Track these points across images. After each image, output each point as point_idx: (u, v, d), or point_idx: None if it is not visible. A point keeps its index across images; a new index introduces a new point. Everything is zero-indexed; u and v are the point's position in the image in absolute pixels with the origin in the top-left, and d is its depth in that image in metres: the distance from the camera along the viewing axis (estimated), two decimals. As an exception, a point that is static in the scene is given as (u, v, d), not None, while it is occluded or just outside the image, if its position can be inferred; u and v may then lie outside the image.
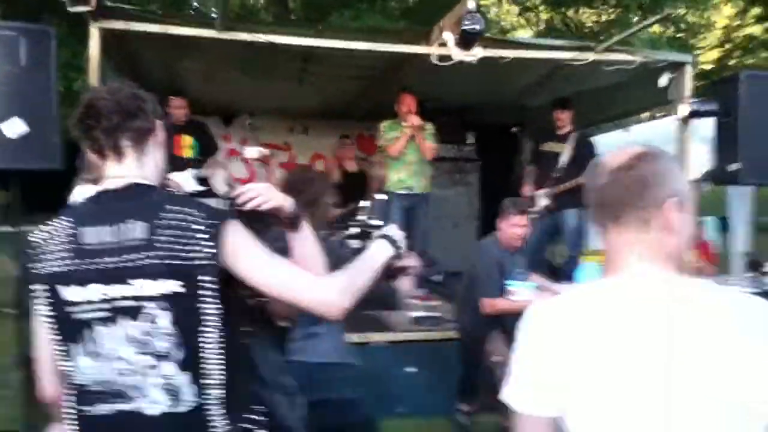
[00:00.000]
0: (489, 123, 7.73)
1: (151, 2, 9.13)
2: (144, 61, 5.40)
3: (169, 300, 1.47)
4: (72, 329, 1.51)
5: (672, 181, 1.21)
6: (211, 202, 5.29)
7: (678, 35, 8.10)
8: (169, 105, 5.76)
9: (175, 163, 5.66)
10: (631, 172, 1.20)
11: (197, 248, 1.47)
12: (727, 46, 13.24)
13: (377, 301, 3.37)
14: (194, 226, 1.48)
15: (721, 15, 12.52)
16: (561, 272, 6.09)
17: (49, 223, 1.56)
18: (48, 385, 1.65)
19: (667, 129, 5.32)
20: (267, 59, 5.16)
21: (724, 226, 6.63)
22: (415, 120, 5.50)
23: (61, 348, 1.53)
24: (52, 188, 4.19)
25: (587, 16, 9.85)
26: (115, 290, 1.48)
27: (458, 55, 4.28)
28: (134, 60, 5.31)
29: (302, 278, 1.57)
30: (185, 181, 5.66)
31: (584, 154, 5.65)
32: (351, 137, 7.36)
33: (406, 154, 5.67)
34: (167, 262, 1.46)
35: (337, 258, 1.94)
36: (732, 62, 12.81)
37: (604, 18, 8.90)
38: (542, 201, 5.84)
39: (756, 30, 14.10)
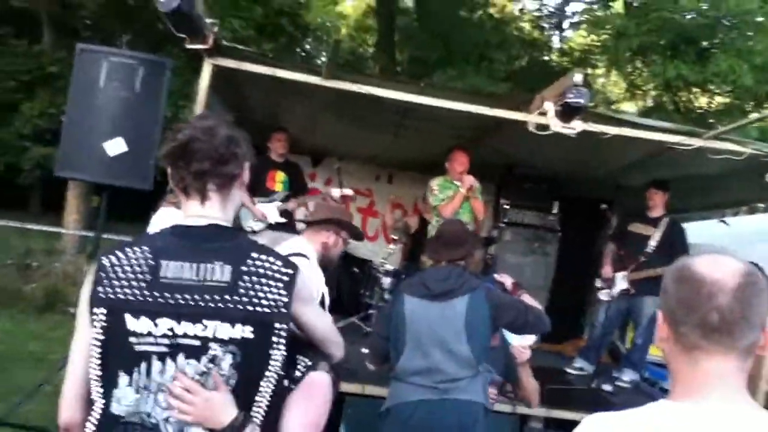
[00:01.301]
0: (576, 195, 7.58)
1: (265, 42, 9.59)
2: (249, 97, 5.65)
3: (237, 345, 1.52)
4: (125, 358, 1.52)
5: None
6: (288, 236, 5.46)
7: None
8: (271, 138, 6.02)
9: (266, 194, 5.92)
10: (753, 290, 1.13)
11: (276, 297, 1.53)
12: None
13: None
14: (275, 275, 1.54)
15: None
16: (625, 359, 5.89)
17: (125, 248, 1.57)
18: (68, 409, 1.61)
19: (766, 225, 5.07)
20: (366, 109, 5.28)
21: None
22: (471, 180, 5.41)
23: (104, 374, 1.53)
24: (139, 200, 4.42)
25: (698, 99, 9.62)
26: (185, 328, 1.51)
27: (557, 126, 4.24)
28: (241, 95, 5.56)
29: (332, 328, 1.84)
30: (270, 211, 5.86)
31: (674, 241, 5.54)
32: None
33: (460, 214, 5.57)
34: (248, 308, 1.51)
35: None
36: None
37: (715, 103, 8.66)
38: (621, 283, 5.67)
39: None
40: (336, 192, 6.28)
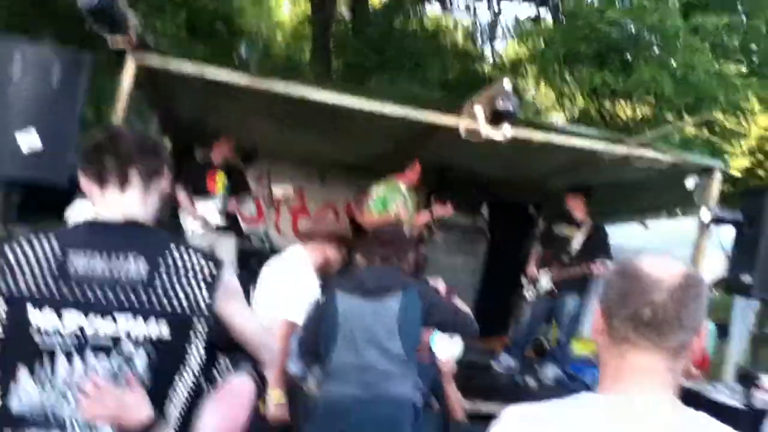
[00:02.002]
0: (505, 199, 7.74)
1: (197, 44, 9.38)
2: (177, 99, 5.52)
3: (152, 344, 1.46)
4: (27, 353, 1.44)
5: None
6: (231, 238, 5.30)
7: (711, 139, 8.15)
8: (220, 142, 5.93)
9: (206, 196, 5.84)
10: (690, 292, 1.15)
11: (196, 294, 1.48)
12: (758, 156, 13.30)
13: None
14: (197, 271, 1.49)
15: (757, 125, 12.65)
16: (550, 355, 6.08)
17: (30, 238, 1.49)
18: None
19: (686, 230, 5.30)
20: (298, 112, 5.23)
21: (720, 333, 6.58)
22: (426, 218, 5.79)
23: (3, 369, 1.46)
24: (58, 198, 4.23)
25: (622, 110, 9.98)
26: (95, 324, 1.44)
27: (487, 132, 4.30)
28: (168, 97, 5.43)
29: (263, 330, 1.78)
30: (210, 213, 5.75)
31: (597, 243, 5.75)
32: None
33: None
34: (165, 305, 1.45)
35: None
36: (761, 172, 12.81)
37: (639, 113, 9.01)
38: (545, 283, 5.86)
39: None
40: (277, 191, 6.24)
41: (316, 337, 3.17)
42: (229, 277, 1.58)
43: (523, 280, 6.15)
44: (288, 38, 17.06)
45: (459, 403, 3.57)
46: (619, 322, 1.16)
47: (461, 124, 4.57)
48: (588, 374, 5.73)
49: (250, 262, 6.34)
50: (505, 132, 4.29)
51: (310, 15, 13.03)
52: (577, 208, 5.85)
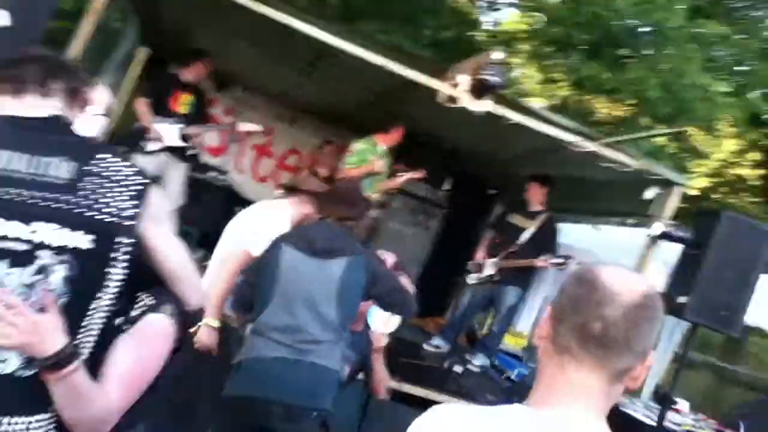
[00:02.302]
0: (469, 176, 7.73)
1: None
2: (161, 5, 5.29)
3: (72, 254, 1.33)
4: None
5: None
6: (181, 163, 5.10)
7: (677, 153, 8.29)
8: (196, 62, 5.70)
9: (167, 115, 5.58)
10: (646, 314, 1.09)
11: (123, 205, 1.37)
12: (717, 179, 13.62)
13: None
14: (125, 181, 1.39)
15: (721, 149, 12.93)
16: (480, 344, 6.15)
17: None
18: None
19: (634, 239, 5.37)
20: (280, 39, 5.07)
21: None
22: (397, 183, 5.77)
23: None
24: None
25: (600, 106, 10.04)
26: (9, 228, 1.30)
27: (466, 101, 4.26)
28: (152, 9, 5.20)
29: (192, 265, 1.63)
30: (169, 132, 5.53)
31: (546, 238, 5.77)
32: (332, 144, 7.23)
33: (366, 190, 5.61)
34: (89, 213, 1.34)
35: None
36: (716, 196, 13.15)
37: (617, 113, 9.08)
38: (489, 270, 5.86)
39: (747, 173, 14.59)
40: (244, 126, 6.03)
41: (253, 289, 3.06)
42: (158, 197, 1.48)
43: (469, 264, 6.14)
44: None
45: (384, 381, 3.49)
46: (565, 330, 1.10)
47: (442, 88, 4.51)
48: (513, 369, 5.83)
49: (201, 196, 6.25)
50: (485, 105, 4.25)
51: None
52: (535, 197, 5.86)
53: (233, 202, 7.05)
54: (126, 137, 5.88)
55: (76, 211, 1.33)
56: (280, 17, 4.31)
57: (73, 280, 1.34)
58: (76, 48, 4.05)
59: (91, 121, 4.14)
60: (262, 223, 3.44)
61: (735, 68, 7.87)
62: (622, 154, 5.02)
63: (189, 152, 5.94)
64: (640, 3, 6.44)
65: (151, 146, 5.53)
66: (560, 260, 5.51)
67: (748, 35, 8.08)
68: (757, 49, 7.77)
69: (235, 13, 4.61)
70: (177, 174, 5.73)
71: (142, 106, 5.52)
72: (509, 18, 12.98)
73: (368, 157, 5.63)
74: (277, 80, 6.71)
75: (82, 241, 1.34)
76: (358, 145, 5.74)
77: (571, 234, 6.08)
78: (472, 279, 6.05)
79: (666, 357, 6.43)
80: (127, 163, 1.44)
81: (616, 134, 5.19)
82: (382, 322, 3.40)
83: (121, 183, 1.39)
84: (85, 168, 1.36)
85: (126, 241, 1.38)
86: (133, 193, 1.40)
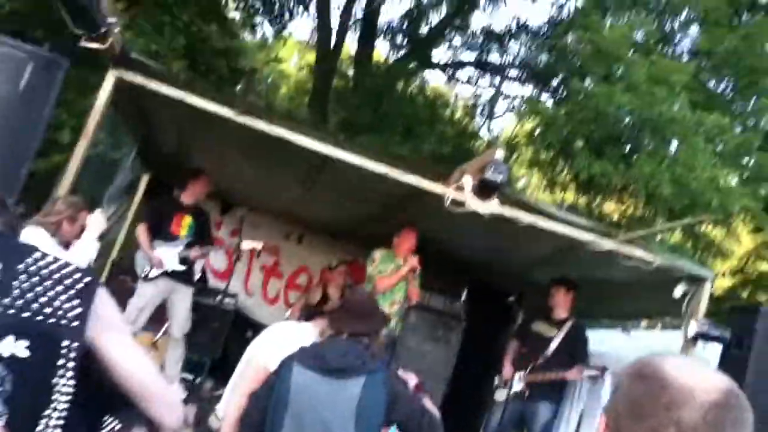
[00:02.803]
0: (486, 285, 7.46)
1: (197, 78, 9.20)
2: (157, 124, 5.29)
3: (7, 365, 1.11)
4: None
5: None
6: (188, 288, 4.87)
7: (698, 251, 8.00)
8: (195, 181, 5.62)
9: (167, 237, 5.48)
10: (730, 415, 0.85)
11: (65, 304, 1.16)
12: (740, 276, 13.23)
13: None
14: (65, 279, 1.18)
15: (740, 245, 12.65)
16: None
17: None
18: None
19: (669, 343, 5.01)
20: (279, 155, 5.02)
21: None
22: (416, 263, 5.31)
23: None
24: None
25: (613, 209, 9.92)
26: None
27: (473, 203, 4.08)
28: (147, 120, 5.19)
29: (163, 380, 1.38)
30: (169, 257, 5.39)
31: (576, 345, 5.43)
32: (345, 263, 7.04)
33: (394, 293, 5.39)
34: (23, 314, 1.13)
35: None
36: (744, 294, 12.67)
37: (628, 212, 8.91)
38: (517, 386, 5.47)
39: (768, 268, 14.28)
40: (246, 245, 5.88)
41: (263, 414, 2.73)
42: (107, 298, 1.27)
43: (496, 379, 5.74)
44: (291, 91, 17.11)
45: None
46: None
47: (447, 192, 4.35)
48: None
49: (209, 321, 6.02)
50: (491, 206, 4.07)
51: (312, 65, 13.10)
52: (560, 303, 5.54)
53: (244, 326, 6.79)
54: (128, 264, 5.75)
55: (8, 312, 1.13)
56: (272, 131, 4.25)
57: (12, 396, 1.12)
58: (69, 175, 3.96)
59: (85, 245, 4.05)
60: (284, 339, 3.19)
61: (741, 160, 7.72)
62: (642, 251, 4.77)
63: (195, 277, 5.78)
64: (641, 96, 6.41)
65: (152, 272, 5.37)
66: (595, 372, 5.16)
67: (745, 128, 8.06)
68: (759, 139, 7.70)
69: (229, 131, 4.59)
70: (183, 300, 5.53)
71: (141, 231, 5.41)
72: (506, 127, 13.30)
73: (392, 264, 5.40)
74: (280, 198, 6.64)
75: (17, 348, 1.12)
76: (379, 252, 5.51)
77: (599, 340, 5.70)
78: (500, 395, 5.61)
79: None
80: (63, 261, 1.23)
81: (631, 232, 4.93)
82: None
83: (62, 280, 1.19)
84: (18, 267, 1.18)
85: (73, 345, 1.16)
86: (77, 290, 1.20)
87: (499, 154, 3.82)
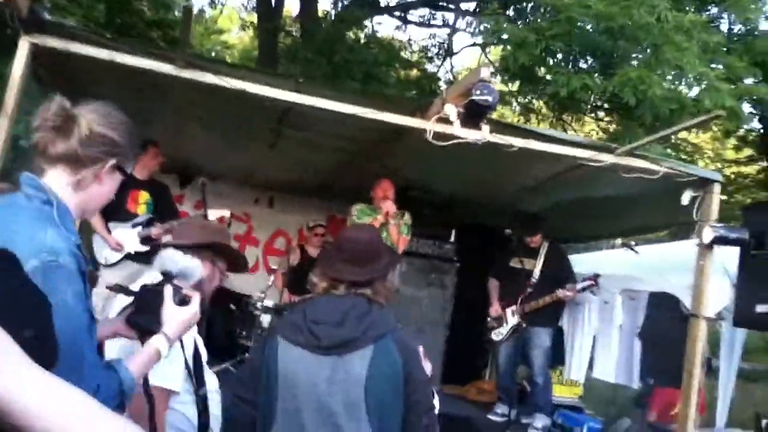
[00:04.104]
0: (474, 222, 7.12)
1: (110, 24, 8.41)
2: (91, 95, 4.68)
3: None
4: None
5: None
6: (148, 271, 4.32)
7: (684, 159, 7.71)
8: (144, 153, 5.08)
9: (125, 217, 4.98)
10: None
11: None
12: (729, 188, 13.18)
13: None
14: None
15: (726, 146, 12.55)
16: (532, 403, 5.43)
17: None
18: None
19: (684, 254, 4.70)
20: (235, 113, 4.51)
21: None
22: (390, 207, 4.96)
23: None
24: None
25: (590, 129, 9.59)
26: None
27: (461, 132, 3.63)
28: (79, 91, 4.58)
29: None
30: (128, 238, 4.90)
31: (560, 264, 5.44)
32: (322, 220, 6.62)
33: None
34: None
35: None
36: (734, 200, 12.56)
37: (612, 127, 8.55)
38: (512, 320, 5.46)
39: (747, 170, 14.32)
40: (212, 214, 5.37)
41: (252, 408, 2.11)
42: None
43: (488, 320, 5.68)
44: (237, 60, 16.47)
45: None
46: None
47: (428, 125, 3.88)
48: (581, 425, 5.08)
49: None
50: (482, 133, 3.63)
51: (256, 27, 12.41)
52: (533, 242, 5.54)
53: (225, 300, 6.38)
54: (89, 254, 5.23)
55: None
56: (230, 83, 3.72)
57: None
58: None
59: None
60: None
61: (716, 61, 7.37)
62: (644, 162, 4.40)
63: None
64: (617, 2, 5.96)
65: (112, 257, 4.88)
66: (586, 283, 5.15)
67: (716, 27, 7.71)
68: (725, 42, 7.37)
69: (175, 88, 4.06)
70: (150, 281, 5.01)
71: (93, 216, 4.86)
72: (466, 64, 12.73)
73: (371, 215, 5.09)
74: (243, 161, 6.15)
75: None
76: (357, 207, 5.22)
77: (606, 261, 5.40)
78: (497, 335, 5.49)
79: (731, 376, 5.63)
80: None
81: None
82: None
83: None
84: None
85: None
86: None
87: (485, 72, 3.36)
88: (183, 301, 1.75)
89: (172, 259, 1.97)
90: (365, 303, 2.12)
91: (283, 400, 2.03)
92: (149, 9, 9.67)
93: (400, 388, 2.03)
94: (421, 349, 2.22)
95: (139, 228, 5.00)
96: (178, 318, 1.72)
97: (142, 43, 4.14)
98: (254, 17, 13.16)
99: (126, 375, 1.55)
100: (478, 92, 3.28)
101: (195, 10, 13.74)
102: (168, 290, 1.74)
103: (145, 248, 4.96)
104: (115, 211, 4.88)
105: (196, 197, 6.79)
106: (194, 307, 1.76)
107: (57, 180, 1.51)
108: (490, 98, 3.27)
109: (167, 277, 1.81)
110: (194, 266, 2.03)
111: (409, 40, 13.69)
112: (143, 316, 1.72)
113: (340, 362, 2.01)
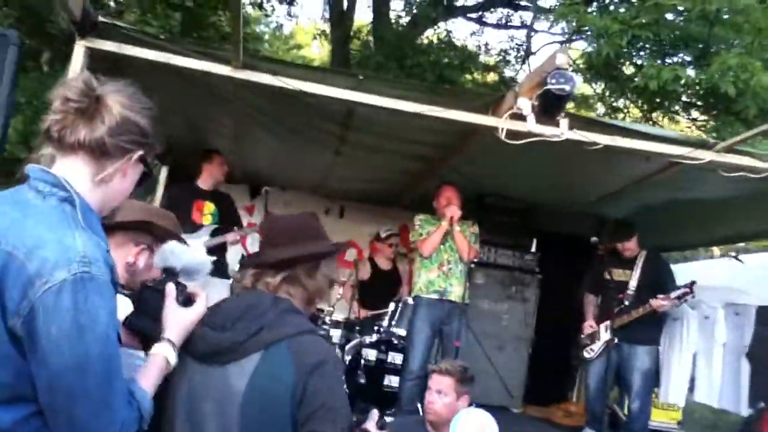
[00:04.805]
0: (557, 230, 6.72)
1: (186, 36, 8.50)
2: (150, 98, 4.65)
3: None
4: None
5: None
6: (224, 281, 4.18)
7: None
8: (211, 162, 5.11)
9: (191, 228, 4.90)
10: None
11: None
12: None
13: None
14: None
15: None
16: (626, 430, 4.98)
17: None
18: None
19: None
20: (298, 117, 4.37)
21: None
22: (455, 212, 4.73)
23: None
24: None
25: (684, 128, 8.94)
26: None
27: (536, 128, 3.33)
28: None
29: None
30: (194, 248, 4.81)
31: (658, 274, 4.94)
32: (393, 230, 6.39)
33: (441, 253, 4.83)
34: None
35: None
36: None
37: (706, 128, 7.93)
38: (604, 336, 4.96)
39: None
40: None
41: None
42: None
43: (581, 337, 5.23)
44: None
45: None
46: None
47: (500, 123, 3.60)
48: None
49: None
50: (560, 128, 3.31)
51: (328, 33, 12.43)
52: (628, 247, 5.03)
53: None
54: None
55: None
56: (288, 84, 3.57)
57: None
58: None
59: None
60: None
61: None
62: (748, 158, 3.95)
63: (231, 267, 5.20)
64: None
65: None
66: (682, 291, 4.64)
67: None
68: None
69: (235, 96, 3.97)
70: (219, 294, 4.88)
71: None
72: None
73: (435, 224, 4.91)
74: (310, 170, 6.02)
75: None
76: (420, 217, 5.07)
77: (707, 273, 4.93)
78: (589, 353, 5.02)
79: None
80: None
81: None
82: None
83: None
84: None
85: None
86: None
87: (562, 59, 3.05)
88: (188, 300, 1.56)
89: (174, 253, 1.66)
90: (270, 299, 1.63)
91: (167, 422, 1.60)
92: (226, 22, 9.81)
93: (287, 410, 1.49)
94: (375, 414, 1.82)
95: (205, 238, 4.94)
96: (183, 320, 1.52)
97: (200, 45, 4.02)
98: (328, 27, 13.23)
99: (143, 396, 1.36)
100: (553, 81, 2.98)
101: (273, 24, 13.93)
102: (170, 289, 1.55)
103: (212, 258, 4.89)
104: (181, 223, 4.82)
105: (263, 207, 6.75)
106: (201, 308, 1.56)
107: (76, 173, 1.30)
108: (567, 87, 2.95)
109: (169, 273, 1.61)
110: (201, 261, 1.75)
111: (486, 44, 13.35)
112: (143, 319, 1.53)
113: (221, 374, 1.56)
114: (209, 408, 1.55)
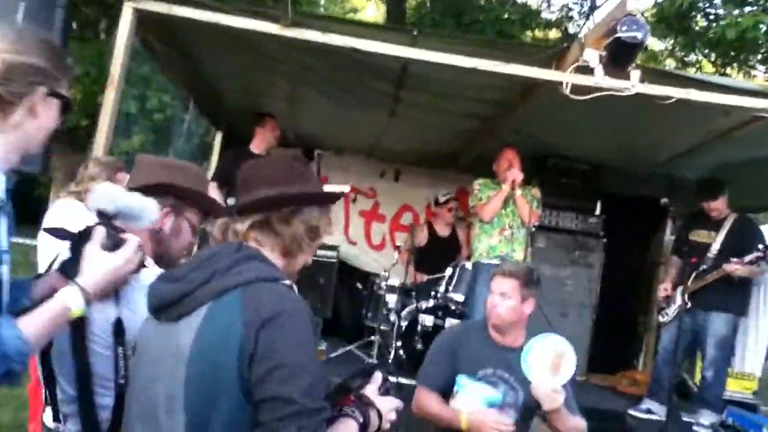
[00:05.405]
0: (622, 192, 6.43)
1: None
2: (201, 63, 4.62)
3: None
4: None
5: None
6: None
7: None
8: (264, 126, 5.02)
9: None
10: None
11: None
12: None
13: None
14: None
15: None
16: (699, 399, 4.76)
17: None
18: None
19: None
20: (350, 77, 4.26)
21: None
22: (517, 175, 4.52)
23: None
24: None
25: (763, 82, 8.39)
26: None
27: (604, 82, 3.12)
28: (190, 60, 4.53)
29: None
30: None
31: (743, 240, 4.57)
32: (451, 194, 6.22)
33: (502, 217, 4.62)
34: None
35: None
36: None
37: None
38: (679, 299, 4.70)
39: None
40: (330, 189, 5.19)
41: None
42: None
43: (659, 301, 5.00)
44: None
45: None
46: None
47: (565, 77, 3.40)
48: (755, 426, 4.36)
49: (315, 280, 5.43)
50: (632, 81, 3.09)
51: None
52: (715, 207, 4.66)
53: (350, 278, 6.28)
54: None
55: None
56: (338, 41, 3.46)
57: None
58: (102, 134, 3.39)
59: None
60: None
61: None
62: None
63: None
64: None
65: None
66: (754, 255, 4.36)
67: None
68: None
69: (285, 55, 3.87)
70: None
71: (212, 190, 4.83)
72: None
73: (495, 189, 4.71)
74: (365, 133, 5.92)
75: None
76: (479, 181, 4.86)
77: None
78: (664, 317, 4.82)
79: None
80: None
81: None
82: (546, 368, 2.42)
83: None
84: None
85: None
86: None
87: (632, 4, 2.82)
88: (116, 245, 1.43)
89: (106, 194, 1.51)
90: (233, 246, 1.42)
91: (131, 386, 1.50)
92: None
93: (234, 371, 1.27)
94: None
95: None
96: (102, 266, 1.41)
97: (250, 3, 3.93)
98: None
99: (9, 333, 1.21)
100: (624, 28, 2.77)
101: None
102: (99, 232, 1.43)
103: None
104: (233, 188, 4.82)
105: (320, 171, 6.69)
106: (127, 253, 1.44)
107: None
108: (639, 34, 2.74)
109: (102, 217, 1.49)
110: (141, 205, 1.55)
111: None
112: (72, 264, 1.43)
113: (174, 331, 1.37)
114: (163, 370, 1.36)
